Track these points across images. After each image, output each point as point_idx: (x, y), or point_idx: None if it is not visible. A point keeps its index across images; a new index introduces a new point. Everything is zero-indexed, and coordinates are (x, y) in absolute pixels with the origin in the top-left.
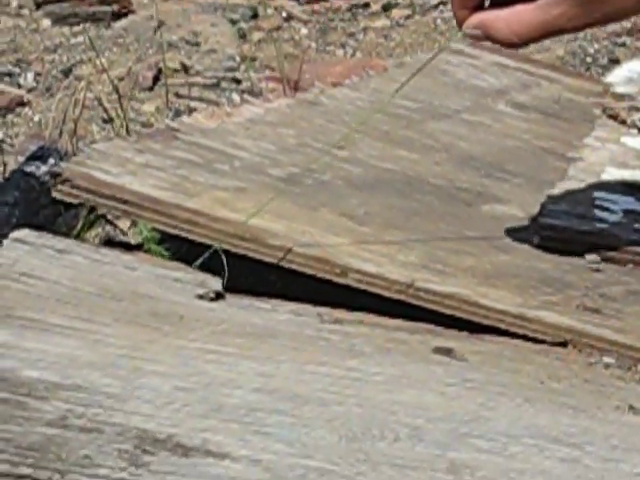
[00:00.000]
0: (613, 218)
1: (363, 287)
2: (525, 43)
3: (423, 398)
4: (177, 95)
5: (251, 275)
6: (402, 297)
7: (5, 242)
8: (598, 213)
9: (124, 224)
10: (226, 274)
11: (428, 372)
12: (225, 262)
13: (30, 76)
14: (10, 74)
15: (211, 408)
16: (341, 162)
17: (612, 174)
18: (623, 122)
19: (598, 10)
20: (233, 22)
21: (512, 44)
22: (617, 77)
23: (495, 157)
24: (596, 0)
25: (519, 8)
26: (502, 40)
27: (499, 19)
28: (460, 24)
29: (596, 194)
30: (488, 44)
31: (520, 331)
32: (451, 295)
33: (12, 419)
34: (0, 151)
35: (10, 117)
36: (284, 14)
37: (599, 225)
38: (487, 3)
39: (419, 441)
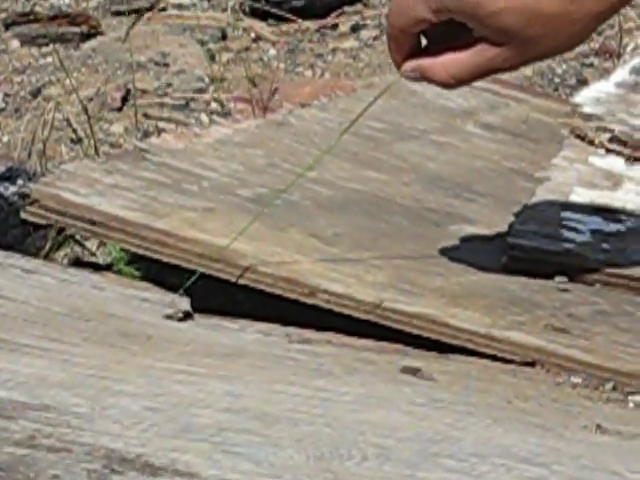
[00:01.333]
0: (581, 238)
1: (331, 307)
2: (461, 84)
3: (391, 418)
4: (146, 116)
5: (220, 295)
6: (370, 317)
7: None
8: (566, 233)
9: (93, 244)
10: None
11: (396, 392)
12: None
13: None
14: None
15: (180, 428)
16: (310, 183)
17: (580, 194)
18: (591, 142)
19: (532, 51)
20: (202, 43)
21: (449, 85)
22: (585, 98)
23: (463, 178)
24: (529, 42)
25: (455, 54)
26: (439, 82)
27: (436, 63)
28: (398, 67)
29: (564, 214)
30: None
31: (488, 351)
32: (419, 315)
33: None
34: None
35: None
36: (253, 35)
37: (567, 245)
38: (424, 42)
39: (387, 460)
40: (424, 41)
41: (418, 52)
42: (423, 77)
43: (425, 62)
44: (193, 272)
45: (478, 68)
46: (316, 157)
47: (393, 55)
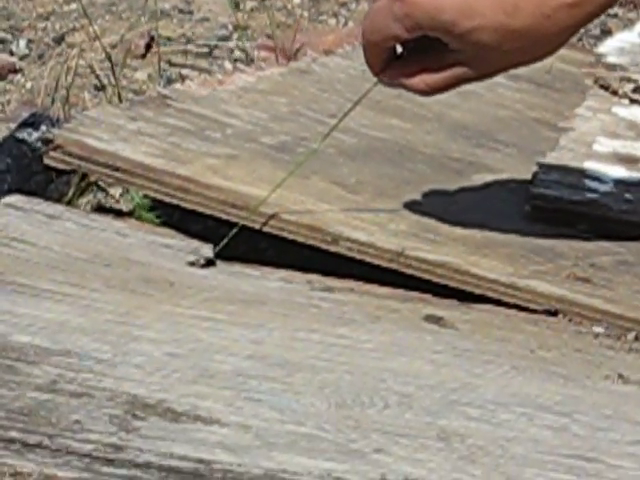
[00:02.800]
0: (604, 188)
1: (354, 255)
2: (438, 93)
3: (413, 366)
4: (170, 63)
5: (242, 242)
6: (393, 265)
7: None
8: (589, 183)
9: (115, 191)
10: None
11: (418, 340)
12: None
13: (22, 43)
14: (2, 41)
15: (201, 374)
16: (334, 131)
17: (603, 144)
18: (614, 92)
19: (508, 62)
20: None
21: (426, 94)
22: (609, 48)
23: (487, 127)
24: (505, 55)
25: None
26: (416, 90)
27: (414, 73)
28: (375, 73)
29: (587, 164)
30: None
31: (510, 300)
32: (442, 264)
33: (2, 383)
34: None
35: (2, 84)
36: None
37: (590, 195)
38: (399, 49)
39: (409, 408)
40: (399, 48)
41: (394, 58)
42: (400, 85)
43: (403, 74)
44: (215, 219)
45: (455, 79)
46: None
47: (369, 65)
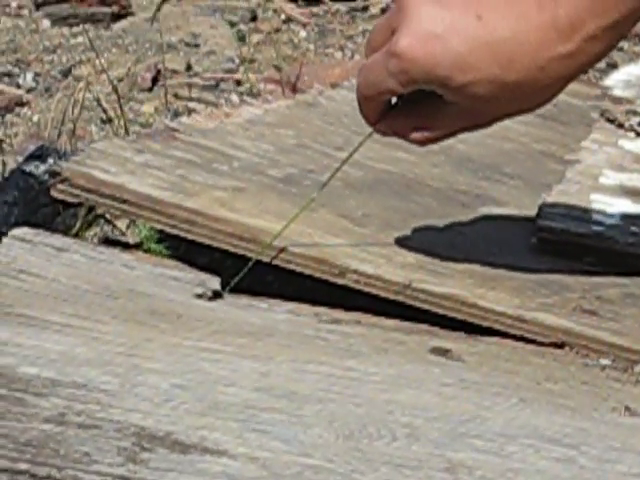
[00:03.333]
0: (610, 221)
1: (361, 287)
2: (435, 143)
3: (420, 398)
4: (176, 96)
5: (249, 275)
6: (400, 298)
7: (4, 240)
8: (595, 216)
9: (122, 223)
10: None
11: (425, 372)
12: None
13: (29, 76)
14: (9, 74)
15: (209, 406)
16: (339, 163)
17: (609, 177)
18: (621, 125)
19: (504, 112)
20: (232, 24)
21: (422, 144)
22: (615, 81)
23: (493, 159)
24: (501, 106)
25: (428, 118)
26: (412, 141)
27: (409, 123)
28: (370, 124)
29: (593, 197)
30: None
31: (517, 332)
32: (449, 296)
33: (10, 415)
34: None
35: (9, 117)
36: (283, 16)
37: (596, 228)
38: (394, 100)
39: (416, 440)
40: (394, 99)
41: (389, 109)
42: (396, 135)
43: (398, 125)
44: (222, 251)
45: (450, 129)
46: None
47: (364, 116)
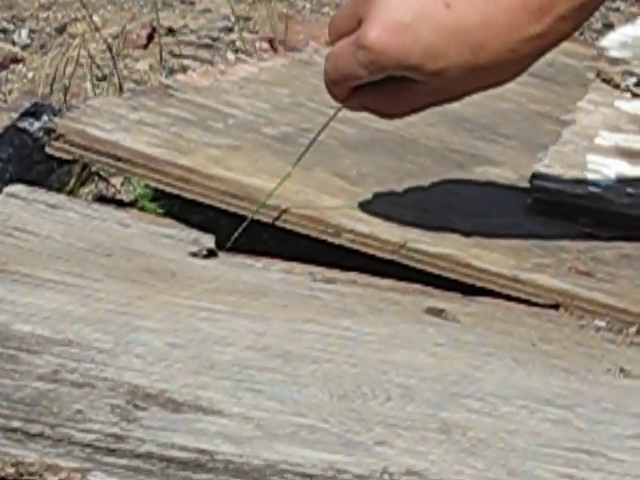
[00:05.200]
0: (606, 182)
1: (356, 247)
2: (404, 116)
3: (415, 358)
4: (171, 54)
5: (244, 234)
6: (395, 257)
7: None
8: (590, 176)
9: (117, 181)
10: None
11: (420, 332)
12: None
13: (24, 33)
14: (4, 31)
15: (203, 365)
16: (335, 122)
17: (605, 138)
18: (617, 86)
19: (475, 88)
20: None
21: (392, 117)
22: (611, 41)
23: (489, 119)
24: (472, 85)
25: (398, 94)
26: (383, 114)
27: (379, 99)
28: (339, 102)
29: (589, 158)
30: None
31: (512, 293)
32: (444, 256)
33: (4, 373)
34: None
35: (4, 74)
36: None
37: (591, 189)
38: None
39: (410, 400)
40: None
41: (358, 87)
42: (367, 110)
43: (368, 101)
44: (216, 210)
45: (420, 105)
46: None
47: (333, 96)
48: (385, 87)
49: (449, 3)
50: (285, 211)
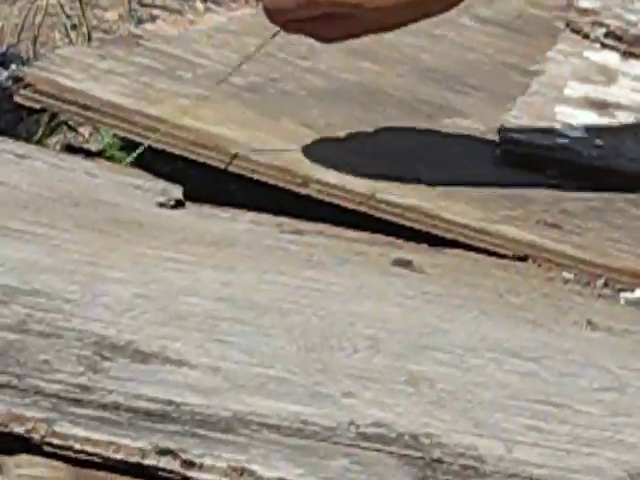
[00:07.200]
0: (574, 133)
1: (324, 198)
2: (338, 42)
3: (382, 310)
4: (140, 3)
5: (211, 184)
6: (363, 208)
7: None
8: (559, 128)
9: (85, 131)
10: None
11: (387, 284)
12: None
13: None
14: None
15: (170, 316)
16: (303, 72)
17: (574, 89)
18: (586, 37)
19: (410, 17)
20: None
21: (330, 41)
22: None
23: (457, 70)
24: (407, 15)
25: (332, 21)
26: (320, 39)
27: (316, 26)
28: (278, 25)
29: (558, 109)
30: None
31: (480, 245)
32: (412, 207)
33: None
34: None
35: None
36: None
37: (560, 140)
38: None
39: (377, 352)
40: None
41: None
42: (302, 32)
43: (307, 27)
44: (184, 160)
45: (356, 32)
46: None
47: (271, 21)
48: (322, 17)
49: None
50: (253, 161)
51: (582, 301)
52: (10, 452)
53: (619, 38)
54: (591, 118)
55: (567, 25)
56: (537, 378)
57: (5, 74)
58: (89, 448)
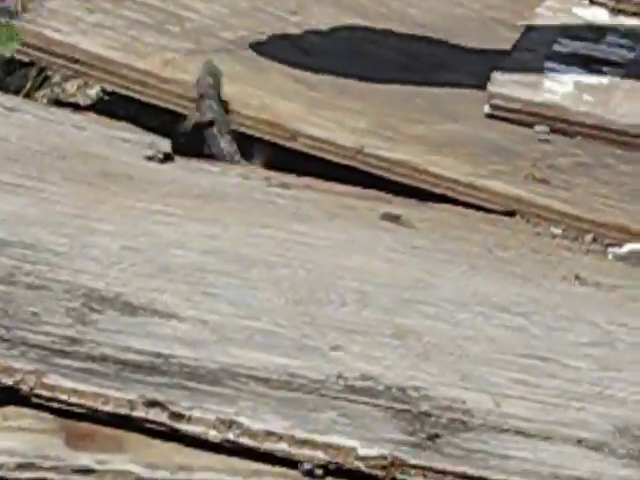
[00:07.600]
0: (563, 89)
1: (312, 152)
2: None
3: (370, 264)
4: None
5: (201, 138)
6: (351, 163)
7: None
8: (548, 83)
9: (72, 85)
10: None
11: (375, 238)
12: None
13: None
14: None
15: (158, 268)
16: (294, 27)
17: (563, 45)
18: None
19: None
20: None
21: None
22: None
23: (446, 26)
24: None
25: None
26: None
27: None
28: None
29: (546, 65)
30: None
31: (469, 200)
32: (401, 162)
33: None
34: None
35: None
36: None
37: (549, 96)
38: None
39: (365, 306)
40: None
41: None
42: None
43: None
44: (172, 114)
45: None
46: None
47: None
48: None
49: None
50: (241, 115)
51: (570, 256)
52: None
53: None
54: (580, 74)
55: None
56: (526, 332)
57: None
58: (78, 400)
